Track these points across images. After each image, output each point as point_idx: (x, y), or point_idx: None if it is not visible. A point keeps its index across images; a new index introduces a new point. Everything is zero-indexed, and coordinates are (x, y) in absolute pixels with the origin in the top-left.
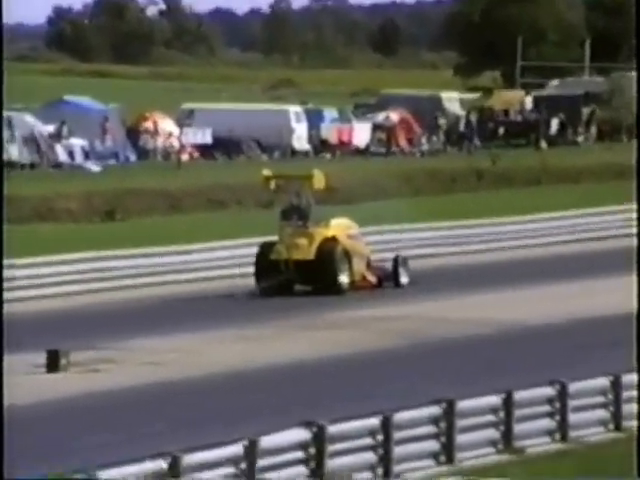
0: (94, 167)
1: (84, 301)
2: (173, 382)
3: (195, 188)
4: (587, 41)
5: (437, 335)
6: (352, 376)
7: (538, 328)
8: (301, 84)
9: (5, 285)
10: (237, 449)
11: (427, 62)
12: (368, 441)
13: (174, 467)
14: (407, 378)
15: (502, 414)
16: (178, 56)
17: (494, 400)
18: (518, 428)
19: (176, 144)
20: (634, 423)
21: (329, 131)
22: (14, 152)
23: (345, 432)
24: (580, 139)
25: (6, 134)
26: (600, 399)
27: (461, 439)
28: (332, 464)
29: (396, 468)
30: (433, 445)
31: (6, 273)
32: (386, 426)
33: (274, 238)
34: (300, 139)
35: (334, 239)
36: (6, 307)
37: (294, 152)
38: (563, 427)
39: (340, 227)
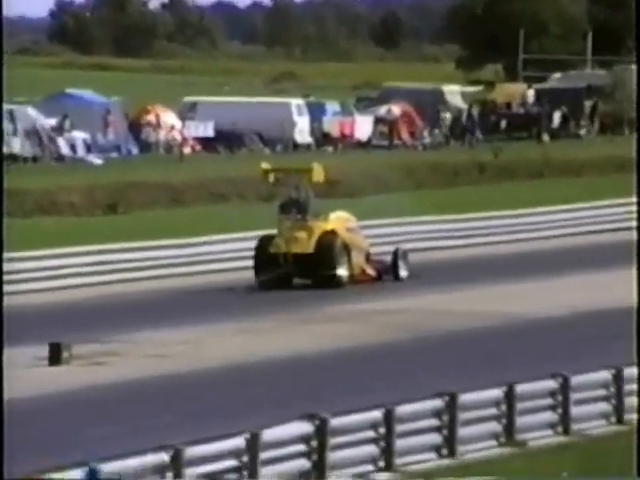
0: (96, 160)
1: (85, 294)
2: (179, 375)
3: (197, 181)
4: (589, 34)
5: (438, 328)
6: (352, 369)
7: (540, 321)
8: (303, 77)
9: (8, 278)
10: (239, 442)
11: (429, 55)
12: (370, 434)
13: (176, 460)
14: (406, 371)
15: (504, 407)
16: (180, 49)
17: (496, 393)
18: (520, 421)
19: (178, 137)
20: (636, 416)
21: (331, 124)
22: (16, 145)
23: (347, 425)
24: (582, 132)
25: (8, 127)
26: (602, 392)
27: (463, 432)
28: (334, 457)
29: (398, 461)
30: (435, 438)
31: (8, 266)
32: (388, 419)
33: (273, 231)
34: (302, 132)
35: (333, 232)
36: (9, 300)
37: (296, 145)
38: (565, 420)
39: (339, 220)
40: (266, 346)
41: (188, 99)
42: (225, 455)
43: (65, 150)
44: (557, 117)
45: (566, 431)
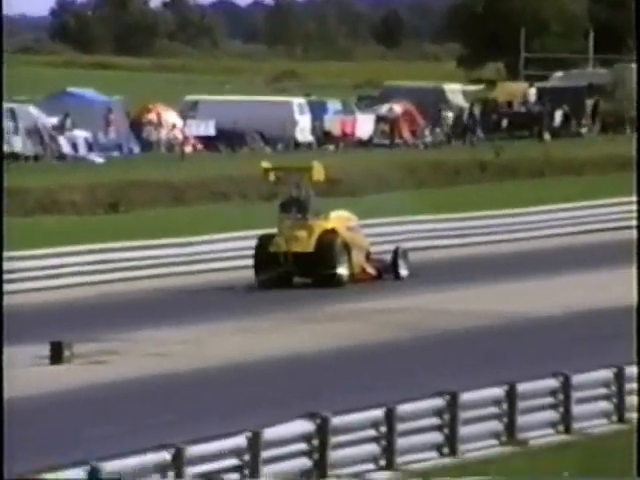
0: (97, 159)
1: (87, 293)
2: (179, 374)
3: (198, 180)
4: (590, 33)
5: (437, 327)
6: (351, 368)
7: (540, 320)
8: (304, 76)
9: (9, 277)
10: (240, 441)
11: (430, 54)
12: (371, 433)
13: (177, 459)
14: (406, 371)
15: (505, 406)
16: (181, 48)
17: (497, 392)
18: (521, 420)
19: (180, 136)
20: (636, 415)
21: (332, 123)
22: (18, 144)
23: (348, 424)
24: (584, 131)
25: (10, 126)
26: (603, 391)
27: (464, 431)
28: (335, 455)
29: (399, 460)
30: (436, 437)
31: (10, 265)
32: (389, 418)
33: (274, 230)
34: (303, 131)
35: (333, 231)
36: (10, 299)
37: (297, 144)
38: (566, 419)
39: (339, 219)
40: (267, 345)
41: (189, 98)
42: (226, 454)
43: (66, 149)
44: (558, 116)
45: (567, 430)
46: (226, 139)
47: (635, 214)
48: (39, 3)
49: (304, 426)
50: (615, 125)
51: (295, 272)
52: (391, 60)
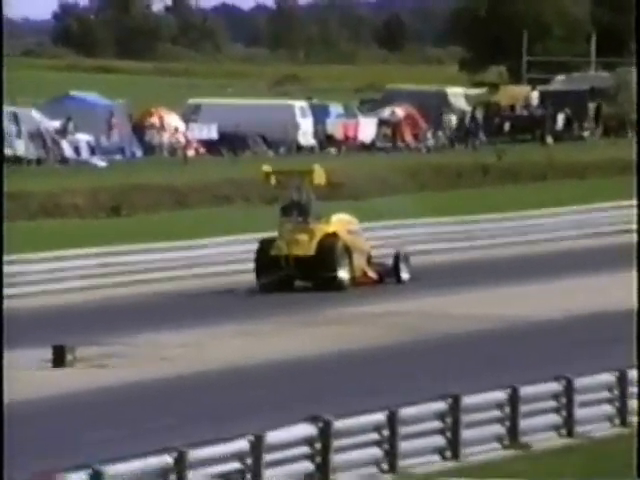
0: (100, 162)
1: (89, 297)
2: (181, 377)
3: (201, 184)
4: (593, 36)
5: (438, 331)
6: (352, 372)
7: (541, 324)
8: (307, 79)
9: (12, 280)
10: (243, 444)
11: (432, 57)
12: (374, 436)
13: (180, 462)
14: (407, 375)
15: (508, 409)
16: (184, 52)
17: (500, 395)
18: (524, 423)
19: (182, 139)
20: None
21: (335, 126)
22: (20, 148)
23: (351, 427)
24: (586, 134)
25: (12, 130)
26: (606, 394)
27: (467, 434)
28: (338, 459)
29: (402, 463)
30: (439, 440)
31: (12, 268)
32: (392, 421)
33: (275, 234)
34: (306, 134)
35: (335, 235)
36: (13, 302)
37: (299, 147)
38: (569, 422)
39: (341, 223)
40: (267, 348)
41: (192, 101)
42: (229, 457)
43: (69, 152)
44: (561, 119)
45: (570, 433)
46: (228, 143)
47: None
48: (42, 6)
49: (306, 429)
50: (618, 129)
51: (296, 275)
52: (393, 63)
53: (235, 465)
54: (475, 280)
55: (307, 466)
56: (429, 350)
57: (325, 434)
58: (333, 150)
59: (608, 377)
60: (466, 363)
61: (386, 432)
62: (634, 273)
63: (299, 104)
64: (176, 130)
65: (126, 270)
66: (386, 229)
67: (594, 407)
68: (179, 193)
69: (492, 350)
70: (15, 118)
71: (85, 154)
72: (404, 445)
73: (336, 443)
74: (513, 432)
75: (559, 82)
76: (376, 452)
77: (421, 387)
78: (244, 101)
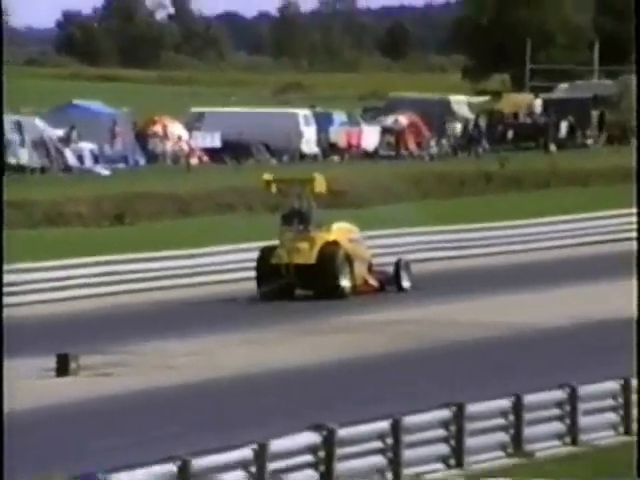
0: (103, 171)
1: (93, 305)
2: (186, 386)
3: (204, 192)
4: (596, 44)
5: (441, 339)
6: (353, 380)
7: (548, 331)
8: (310, 88)
9: (15, 289)
10: (247, 452)
11: (436, 65)
12: (378, 444)
13: (184, 471)
14: (410, 382)
15: (512, 417)
16: (187, 60)
17: (504, 403)
18: (528, 431)
19: (185, 148)
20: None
21: (338, 134)
22: (24, 156)
23: (355, 435)
24: (589, 142)
25: (16, 138)
26: (610, 402)
27: (471, 442)
28: (341, 467)
29: (405, 471)
30: (443, 448)
31: (15, 277)
32: (396, 429)
33: (276, 242)
34: (309, 143)
35: (335, 243)
36: (16, 311)
37: (303, 156)
38: (573, 430)
39: (341, 231)
40: (271, 357)
41: (195, 110)
42: (233, 466)
43: (72, 161)
44: (564, 127)
45: (574, 441)
46: (232, 151)
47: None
48: (45, 15)
49: (310, 438)
50: (621, 136)
51: (297, 284)
52: (396, 71)
53: (239, 473)
54: (479, 288)
55: (311, 474)
56: (436, 358)
57: (329, 442)
58: (336, 158)
59: (612, 385)
60: (475, 370)
61: (390, 440)
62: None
63: (302, 112)
64: (179, 138)
65: (130, 279)
66: (388, 237)
67: (598, 415)
68: (182, 201)
69: (500, 358)
70: (19, 127)
71: (88, 163)
72: (408, 453)
73: (340, 451)
74: (517, 440)
75: (562, 90)
76: (380, 460)
77: (432, 395)
78: (247, 109)
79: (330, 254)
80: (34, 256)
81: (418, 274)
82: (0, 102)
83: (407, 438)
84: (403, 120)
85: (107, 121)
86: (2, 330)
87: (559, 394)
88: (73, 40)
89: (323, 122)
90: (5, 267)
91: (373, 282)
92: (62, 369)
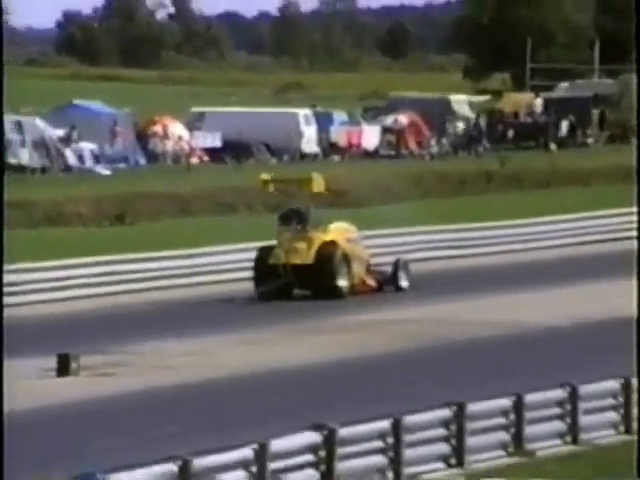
0: (104, 171)
1: (93, 305)
2: (185, 386)
3: (204, 192)
4: (596, 43)
5: (440, 338)
6: (350, 379)
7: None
8: (310, 87)
9: (15, 289)
10: (247, 452)
11: (436, 65)
12: (378, 444)
13: (184, 470)
14: (409, 381)
15: (513, 416)
16: (188, 60)
17: (504, 403)
18: (528, 431)
19: (186, 147)
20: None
21: (338, 134)
22: (24, 156)
23: (355, 435)
24: (590, 141)
25: (16, 138)
26: (610, 401)
27: (471, 442)
28: (342, 467)
29: (406, 471)
30: (443, 448)
31: (15, 277)
32: (396, 429)
33: (274, 242)
34: (309, 142)
35: (333, 243)
36: (16, 311)
37: (303, 155)
38: (574, 430)
39: (339, 231)
40: (271, 357)
41: (196, 109)
42: (233, 465)
43: (73, 161)
44: (564, 126)
45: (575, 441)
46: (232, 151)
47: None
48: (45, 15)
49: (311, 437)
50: (621, 135)
51: (295, 284)
52: (397, 71)
53: (240, 473)
54: (479, 287)
55: (311, 474)
56: (436, 357)
57: (330, 442)
58: (337, 158)
59: (612, 384)
60: (475, 370)
61: (391, 440)
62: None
63: (303, 112)
64: (180, 138)
65: (130, 278)
66: (389, 237)
67: (598, 414)
68: (183, 201)
69: (500, 357)
70: (19, 127)
71: (89, 162)
72: (409, 453)
73: (340, 451)
74: (518, 439)
75: (563, 89)
76: (381, 460)
77: (431, 395)
78: (248, 109)
79: (328, 254)
80: (34, 256)
81: (418, 274)
82: (0, 102)
83: (408, 437)
84: (403, 119)
85: (107, 121)
86: (2, 330)
87: (560, 393)
88: (73, 40)
89: (323, 122)
90: (5, 267)
91: (371, 282)
92: (62, 369)
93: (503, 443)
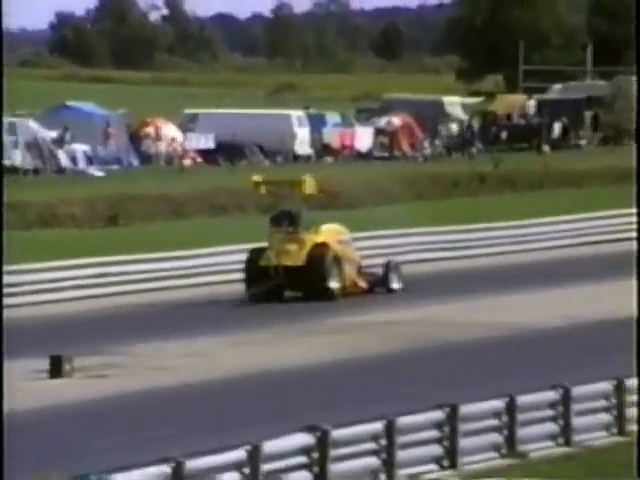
0: (97, 172)
1: (86, 307)
2: (178, 387)
3: (197, 193)
4: (589, 45)
5: (440, 339)
6: (340, 380)
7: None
8: (303, 89)
9: (9, 290)
10: (241, 454)
11: (429, 66)
12: (371, 445)
13: (178, 472)
14: (401, 382)
15: (505, 418)
16: (181, 62)
17: (497, 404)
18: (521, 432)
19: (179, 149)
20: (636, 427)
21: (331, 135)
22: (17, 158)
23: (348, 437)
24: (583, 143)
25: (9, 140)
26: (603, 403)
27: (464, 443)
28: (335, 469)
29: (399, 473)
30: (436, 449)
31: (9, 279)
32: (389, 430)
33: (265, 244)
34: (302, 144)
35: (324, 245)
36: (10, 312)
37: (296, 157)
38: (566, 431)
39: (331, 233)
40: (265, 358)
41: (189, 111)
42: (227, 467)
43: (66, 162)
44: (557, 128)
45: (567, 442)
46: (225, 152)
47: (635, 225)
48: (38, 17)
49: (304, 439)
50: (615, 137)
51: (286, 286)
52: (390, 73)
53: (233, 475)
54: (472, 289)
55: (305, 475)
56: (430, 358)
57: (322, 443)
58: (330, 159)
59: (605, 386)
60: (470, 371)
61: (384, 441)
62: (634, 281)
63: (296, 113)
64: (173, 140)
65: (123, 280)
66: (382, 238)
67: (591, 416)
68: (176, 203)
69: (498, 358)
70: (12, 128)
71: (82, 164)
72: (402, 454)
73: (333, 452)
74: (511, 441)
75: (556, 91)
76: (374, 461)
77: (424, 395)
78: (241, 110)
79: (319, 256)
80: (27, 258)
81: (411, 275)
82: (0, 103)
83: (401, 439)
84: (397, 121)
85: (100, 122)
86: (2, 331)
87: (552, 395)
88: (66, 41)
89: (316, 123)
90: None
91: (362, 284)
92: (55, 371)
93: (496, 445)
